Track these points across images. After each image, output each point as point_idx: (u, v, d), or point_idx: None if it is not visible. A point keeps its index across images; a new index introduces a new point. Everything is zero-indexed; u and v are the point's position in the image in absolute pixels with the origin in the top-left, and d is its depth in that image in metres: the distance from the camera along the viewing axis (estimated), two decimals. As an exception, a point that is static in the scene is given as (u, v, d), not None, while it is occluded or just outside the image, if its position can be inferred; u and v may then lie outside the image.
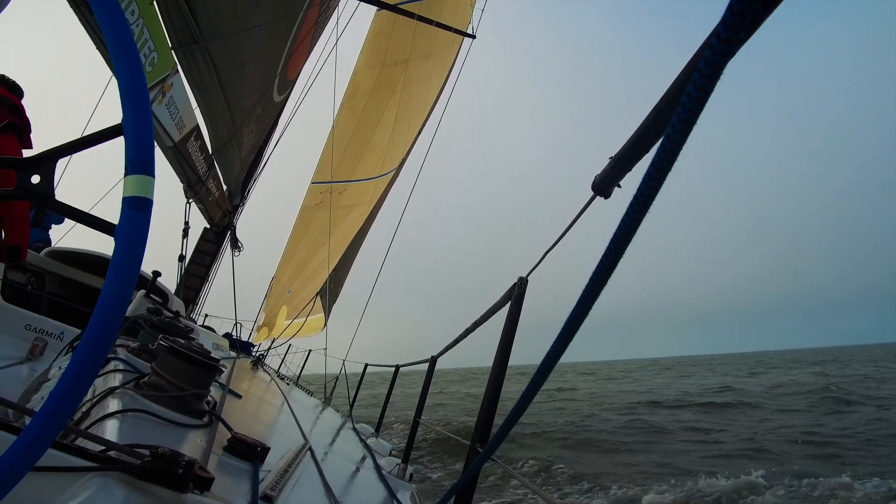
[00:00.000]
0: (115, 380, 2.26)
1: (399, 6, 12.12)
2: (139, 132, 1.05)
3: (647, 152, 0.93)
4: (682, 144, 0.60)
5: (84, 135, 1.24)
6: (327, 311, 16.00)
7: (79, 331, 5.02)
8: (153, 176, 1.06)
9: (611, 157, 1.10)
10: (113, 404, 1.90)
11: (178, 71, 5.24)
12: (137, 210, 1.02)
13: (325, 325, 16.03)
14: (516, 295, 2.18)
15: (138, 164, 1.04)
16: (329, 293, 14.95)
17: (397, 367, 7.61)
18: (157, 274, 5.29)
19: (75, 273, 6.52)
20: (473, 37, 13.30)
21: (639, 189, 0.68)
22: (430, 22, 12.17)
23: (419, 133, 14.72)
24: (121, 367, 2.56)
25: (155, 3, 4.30)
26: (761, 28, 0.64)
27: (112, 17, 1.04)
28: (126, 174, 1.04)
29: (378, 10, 12.87)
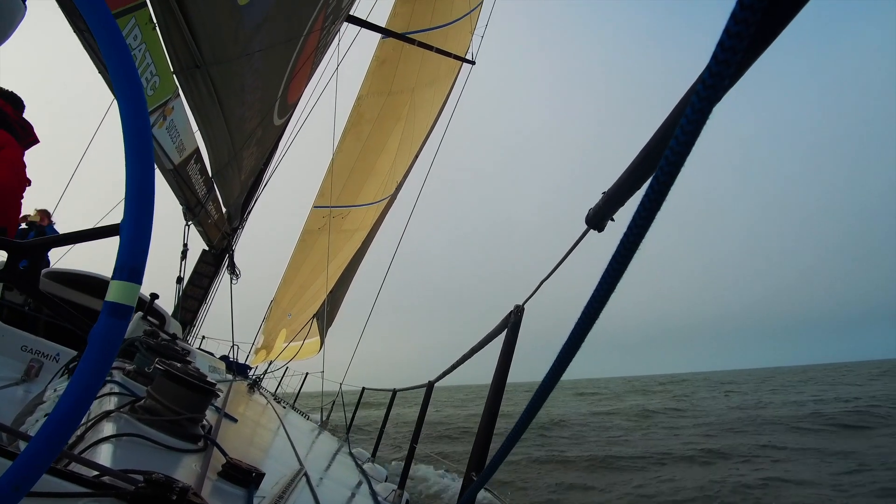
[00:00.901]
0: (111, 403, 2.26)
1: (407, 35, 12.29)
2: (136, 239, 1.03)
3: (639, 188, 0.95)
4: (670, 184, 0.62)
5: (80, 230, 1.24)
6: (323, 334, 15.99)
7: (75, 352, 5.01)
8: (140, 283, 1.04)
9: (604, 192, 1.12)
10: (108, 428, 1.90)
11: (179, 95, 5.28)
12: (115, 318, 1.00)
13: (321, 347, 16.01)
14: (512, 323, 2.19)
15: (127, 270, 1.02)
16: (326, 316, 14.95)
17: (394, 392, 7.59)
18: (154, 296, 5.29)
19: (73, 294, 6.51)
20: (473, 62, 13.49)
21: (630, 225, 0.70)
22: (430, 48, 12.33)
23: (417, 156, 14.86)
24: (116, 390, 2.56)
25: (157, 28, 4.34)
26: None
27: (136, 122, 1.03)
28: (113, 277, 1.02)
29: (383, 38, 13.02)
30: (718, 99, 0.55)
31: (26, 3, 1.77)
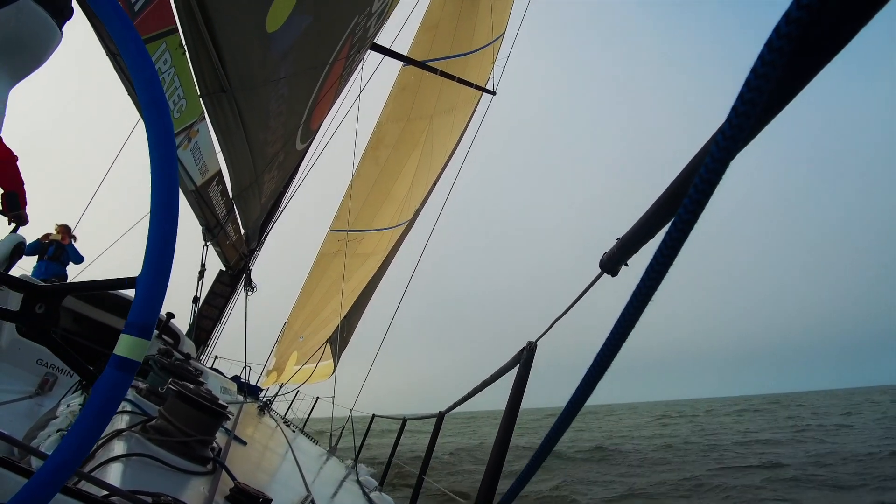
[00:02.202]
0: (122, 422, 2.27)
1: (427, 63, 12.43)
2: (151, 297, 1.03)
3: (653, 237, 0.96)
4: (685, 237, 0.63)
5: (99, 280, 1.26)
6: (337, 358, 15.97)
7: (89, 368, 5.04)
8: (149, 339, 1.04)
9: (618, 238, 1.14)
10: (118, 447, 1.92)
11: (204, 118, 5.37)
12: (122, 371, 1.00)
13: (334, 371, 15.98)
14: (525, 359, 2.19)
15: (138, 326, 1.02)
16: (339, 341, 14.94)
17: (404, 420, 7.54)
18: (170, 315, 5.33)
19: (90, 310, 6.56)
20: (494, 93, 13.59)
21: (644, 274, 0.71)
22: (452, 78, 12.46)
23: (435, 183, 14.94)
24: (128, 408, 2.57)
25: (187, 52, 4.43)
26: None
27: (165, 180, 1.05)
28: (124, 331, 1.02)
29: (404, 66, 13.18)
30: (733, 156, 0.57)
31: (63, 29, 1.83)
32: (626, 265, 1.18)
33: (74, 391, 3.94)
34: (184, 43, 4.35)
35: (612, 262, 1.18)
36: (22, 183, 4.81)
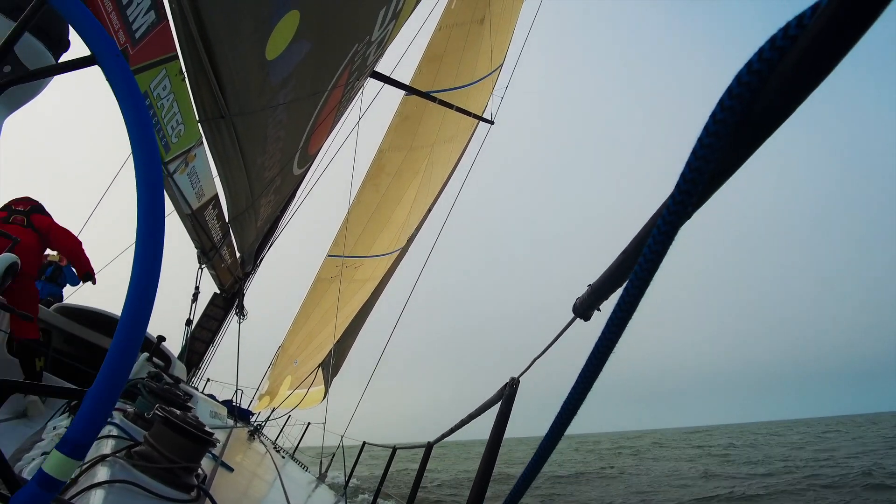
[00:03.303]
0: (107, 446, 2.26)
1: (430, 93, 12.56)
2: (92, 419, 0.97)
3: (620, 287, 0.99)
4: (642, 291, 0.65)
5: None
6: (328, 383, 15.90)
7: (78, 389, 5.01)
8: (81, 460, 0.98)
9: (589, 285, 1.17)
10: (102, 473, 1.91)
11: (202, 143, 5.41)
12: (44, 490, 0.95)
13: (325, 397, 15.90)
14: (507, 395, 2.20)
15: (71, 444, 0.96)
16: (332, 366, 14.89)
17: (394, 449, 7.49)
18: (161, 339, 5.32)
19: (82, 331, 6.54)
20: (492, 122, 13.73)
21: (605, 326, 0.73)
22: (451, 107, 12.58)
23: (430, 209, 15.03)
24: (115, 432, 2.56)
25: (186, 79, 4.48)
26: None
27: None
28: (56, 446, 0.97)
29: (406, 95, 13.30)
30: (683, 222, 0.59)
31: (58, 60, 1.86)
32: (599, 310, 1.20)
33: (61, 413, 3.92)
34: (184, 69, 4.40)
35: (583, 308, 1.21)
36: (88, 261, 5.46)
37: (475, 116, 13.48)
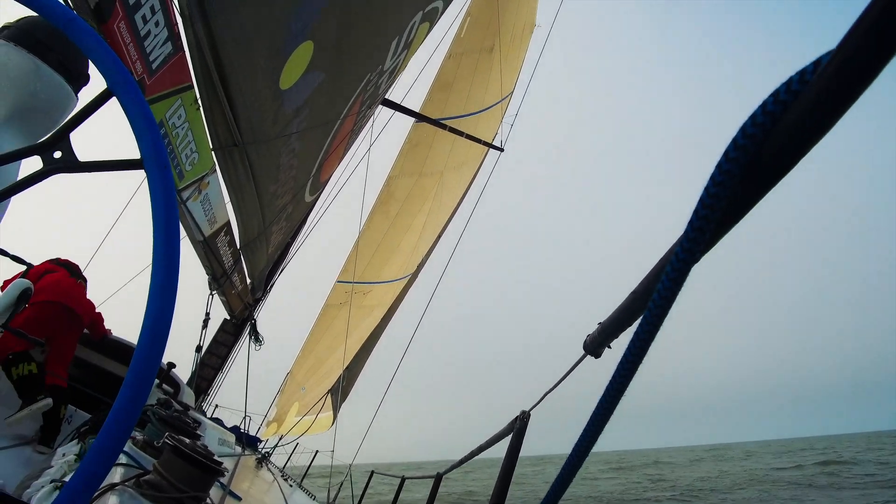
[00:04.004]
0: (117, 475, 2.27)
1: (440, 120, 12.67)
2: (99, 463, 0.97)
3: (630, 325, 0.99)
4: (656, 330, 0.66)
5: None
6: (337, 409, 15.83)
7: (88, 416, 5.01)
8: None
9: (599, 323, 1.17)
10: (112, 501, 1.91)
11: (216, 170, 5.47)
12: None
13: (334, 423, 15.82)
14: (518, 428, 2.19)
15: (74, 490, 0.96)
16: (340, 392, 14.84)
17: (403, 479, 7.43)
18: (171, 365, 5.33)
19: (93, 356, 6.53)
20: (502, 149, 13.80)
21: (620, 364, 0.74)
22: (461, 134, 12.67)
23: (440, 236, 15.08)
24: (124, 460, 2.57)
25: (201, 108, 4.55)
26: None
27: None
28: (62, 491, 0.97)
29: (416, 122, 13.40)
30: (693, 264, 0.60)
31: (79, 94, 1.90)
32: (610, 347, 1.21)
33: (71, 439, 3.93)
34: (198, 99, 4.47)
35: (594, 345, 1.21)
36: (103, 327, 5.90)
37: (485, 143, 13.57)
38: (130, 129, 1.15)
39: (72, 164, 1.17)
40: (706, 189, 0.57)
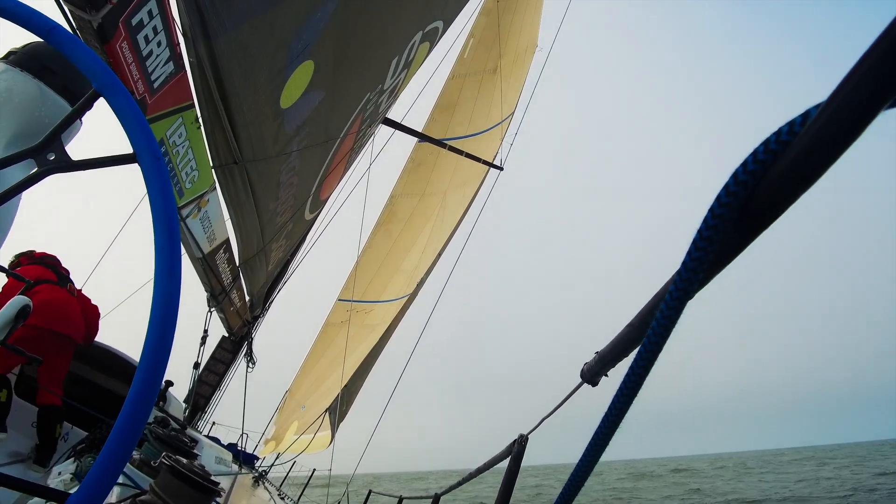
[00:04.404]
0: (113, 496, 2.26)
1: (443, 140, 12.74)
2: (98, 487, 0.99)
3: (627, 356, 1.00)
4: (652, 362, 0.67)
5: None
6: (335, 428, 15.76)
7: (85, 433, 4.99)
8: None
9: (597, 352, 1.18)
10: None
11: (216, 188, 5.49)
12: None
13: (331, 442, 15.75)
14: (516, 452, 2.19)
15: None
16: (339, 411, 14.79)
17: (401, 499, 7.39)
18: (169, 384, 5.31)
19: (92, 373, 6.48)
20: (501, 168, 13.86)
21: (619, 390, 0.74)
22: (460, 153, 12.72)
23: (439, 255, 15.11)
24: (121, 480, 2.56)
25: (202, 126, 4.58)
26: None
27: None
28: None
29: (419, 142, 13.45)
30: (687, 301, 0.62)
31: (83, 119, 1.92)
32: (607, 375, 1.22)
33: (67, 458, 3.90)
34: (199, 117, 4.49)
35: (591, 374, 1.23)
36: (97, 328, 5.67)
37: (485, 163, 13.63)
38: (121, 128, 1.18)
39: (66, 164, 1.19)
40: (699, 231, 0.58)
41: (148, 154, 1.14)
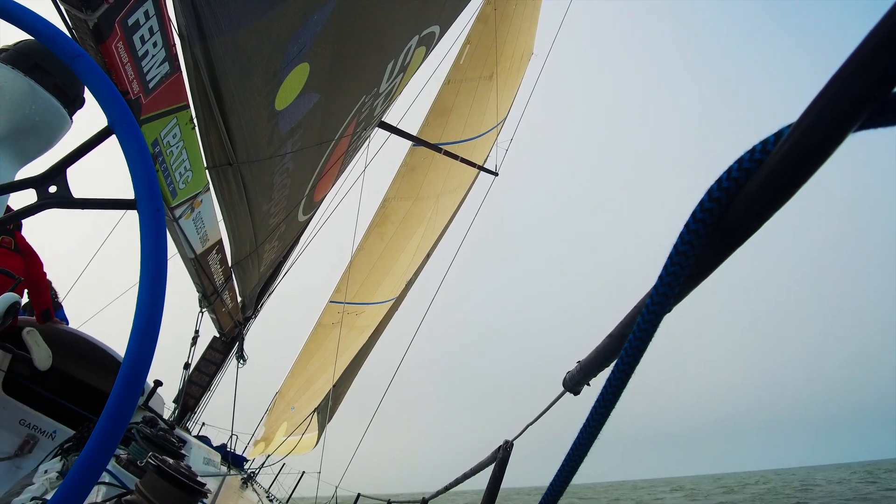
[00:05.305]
0: (99, 494, 2.25)
1: (437, 145, 12.77)
2: (79, 486, 0.99)
3: (608, 365, 1.02)
4: (629, 374, 0.68)
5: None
6: (322, 428, 15.73)
7: (72, 431, 4.96)
8: None
9: (578, 362, 1.20)
10: None
11: (209, 189, 5.49)
12: None
13: (318, 443, 15.73)
14: (500, 458, 2.19)
15: None
16: (328, 411, 14.78)
17: (389, 503, 7.39)
18: (158, 383, 5.28)
19: (81, 372, 6.39)
20: (496, 174, 13.90)
21: (598, 399, 0.76)
22: (455, 158, 12.76)
23: (428, 256, 15.15)
24: (106, 479, 2.55)
25: (196, 127, 4.57)
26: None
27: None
28: None
29: (414, 146, 13.48)
30: (664, 314, 0.63)
31: (73, 117, 1.92)
32: (589, 385, 1.23)
33: (53, 456, 3.89)
34: (194, 118, 4.49)
35: (573, 383, 1.24)
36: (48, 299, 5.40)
37: (479, 168, 13.69)
38: (127, 168, 1.17)
39: (66, 200, 1.19)
40: (675, 247, 0.59)
41: (149, 204, 1.14)
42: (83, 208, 1.20)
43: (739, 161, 0.54)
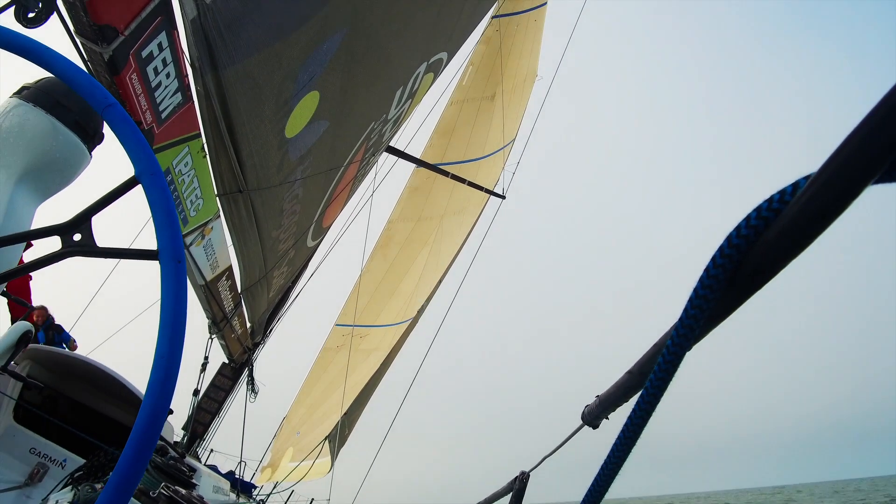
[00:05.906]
0: None
1: (441, 166, 12.81)
2: None
3: (627, 401, 1.03)
4: (653, 407, 0.70)
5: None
6: (334, 456, 15.62)
7: (82, 460, 4.96)
8: None
9: (597, 396, 1.20)
10: None
11: (219, 216, 5.53)
12: None
13: (331, 469, 15.60)
14: (517, 489, 2.18)
15: None
16: (339, 438, 14.68)
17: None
18: (168, 412, 5.27)
19: (91, 400, 6.38)
20: (503, 197, 13.90)
21: (620, 434, 0.76)
22: (462, 181, 12.79)
23: (440, 282, 15.11)
24: None
25: (207, 156, 4.62)
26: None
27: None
28: None
29: (417, 167, 13.53)
30: (687, 350, 0.64)
31: (93, 152, 1.95)
32: (608, 419, 1.24)
33: (63, 487, 3.88)
34: (205, 147, 4.54)
35: (591, 416, 1.24)
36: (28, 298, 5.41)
37: (486, 191, 13.70)
38: (152, 220, 1.19)
39: (89, 249, 1.21)
40: (695, 290, 0.61)
41: (171, 256, 1.16)
42: (107, 257, 1.23)
43: (757, 210, 0.56)
